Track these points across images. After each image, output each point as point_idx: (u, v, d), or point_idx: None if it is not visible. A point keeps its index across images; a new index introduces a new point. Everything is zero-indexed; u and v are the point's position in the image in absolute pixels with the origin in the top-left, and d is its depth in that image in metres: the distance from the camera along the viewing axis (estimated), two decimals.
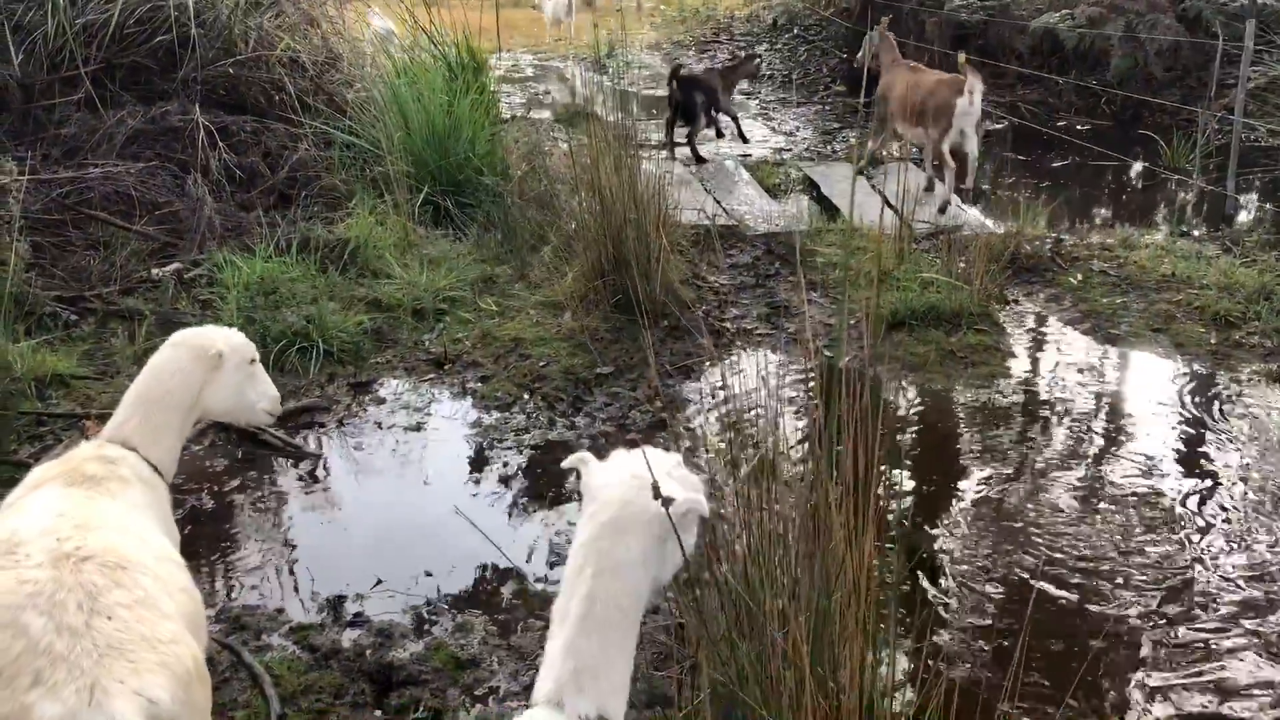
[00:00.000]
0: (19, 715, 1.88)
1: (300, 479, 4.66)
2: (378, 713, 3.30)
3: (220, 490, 4.51)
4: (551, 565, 4.08)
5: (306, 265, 6.21)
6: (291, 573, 4.03)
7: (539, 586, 3.94)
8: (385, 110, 7.69)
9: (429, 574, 3.99)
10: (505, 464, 4.79)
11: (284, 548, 4.20)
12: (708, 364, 5.68)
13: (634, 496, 1.93)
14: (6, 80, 6.81)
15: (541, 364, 5.61)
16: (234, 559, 4.10)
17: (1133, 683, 3.44)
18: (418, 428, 5.08)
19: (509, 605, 3.85)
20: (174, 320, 5.76)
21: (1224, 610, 3.76)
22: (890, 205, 7.79)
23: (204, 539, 4.20)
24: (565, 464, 2.09)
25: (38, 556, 2.10)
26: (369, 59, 8.73)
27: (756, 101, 12.56)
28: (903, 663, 3.25)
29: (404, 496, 4.59)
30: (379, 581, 3.93)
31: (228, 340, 2.98)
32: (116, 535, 2.25)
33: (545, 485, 4.64)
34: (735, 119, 10.07)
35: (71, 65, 7.06)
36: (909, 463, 4.78)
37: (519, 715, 1.88)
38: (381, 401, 5.30)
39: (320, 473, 4.71)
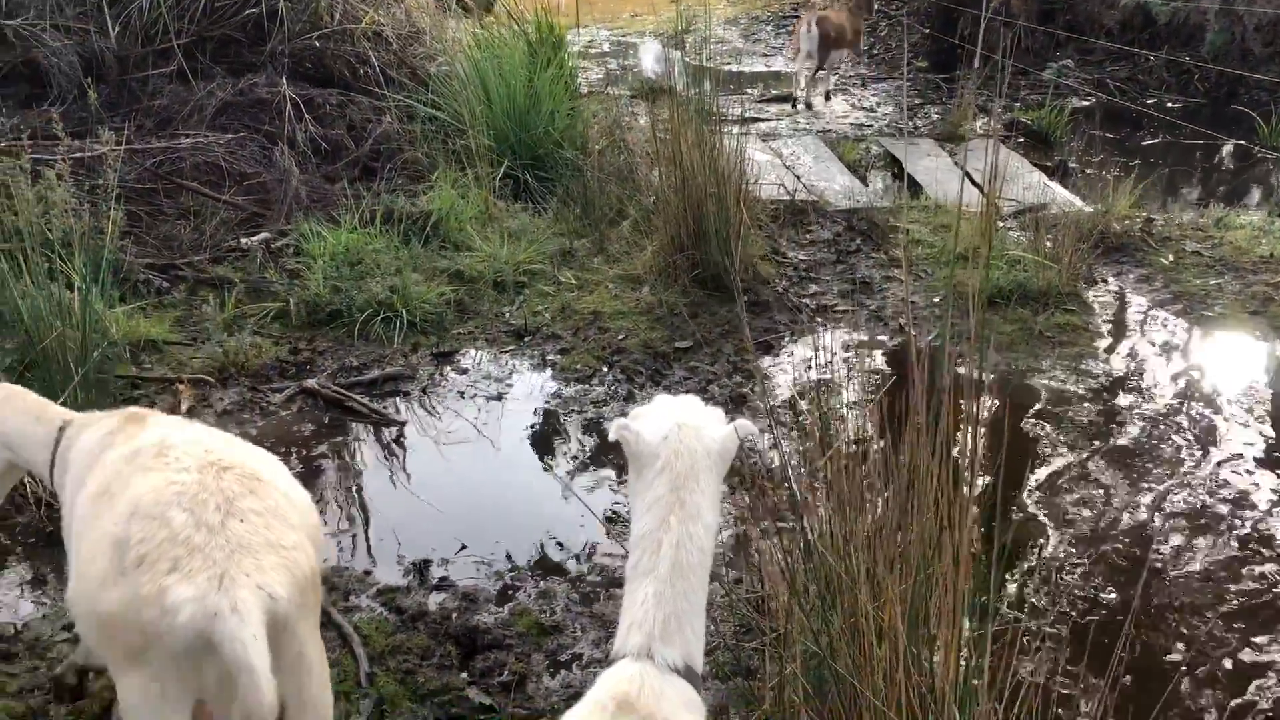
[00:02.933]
0: (156, 595, 2.14)
1: (385, 445, 4.73)
2: (463, 675, 3.34)
3: (308, 454, 4.60)
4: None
5: (390, 237, 6.29)
6: (377, 536, 4.10)
7: (620, 555, 3.96)
8: (467, 84, 7.72)
9: (511, 541, 4.03)
10: (584, 435, 4.82)
11: (370, 511, 4.27)
12: (788, 340, 5.64)
13: (695, 442, 2.02)
14: (104, 53, 6.97)
15: (620, 337, 5.62)
16: (322, 521, 4.17)
17: (1218, 689, 3.36)
18: (499, 397, 5.13)
19: (590, 573, 3.88)
20: (262, 288, 5.88)
21: None
22: (974, 182, 7.65)
23: None
24: (611, 435, 2.14)
25: (186, 461, 2.37)
26: (451, 33, 8.78)
27: (837, 76, 12.39)
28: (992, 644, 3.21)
29: (486, 464, 4.64)
30: (463, 547, 3.98)
31: None
32: (255, 454, 2.58)
33: (624, 457, 4.65)
34: None
35: (165, 38, 7.21)
36: (997, 443, 4.70)
37: (607, 670, 1.91)
38: (463, 371, 5.35)
39: (404, 439, 4.78)
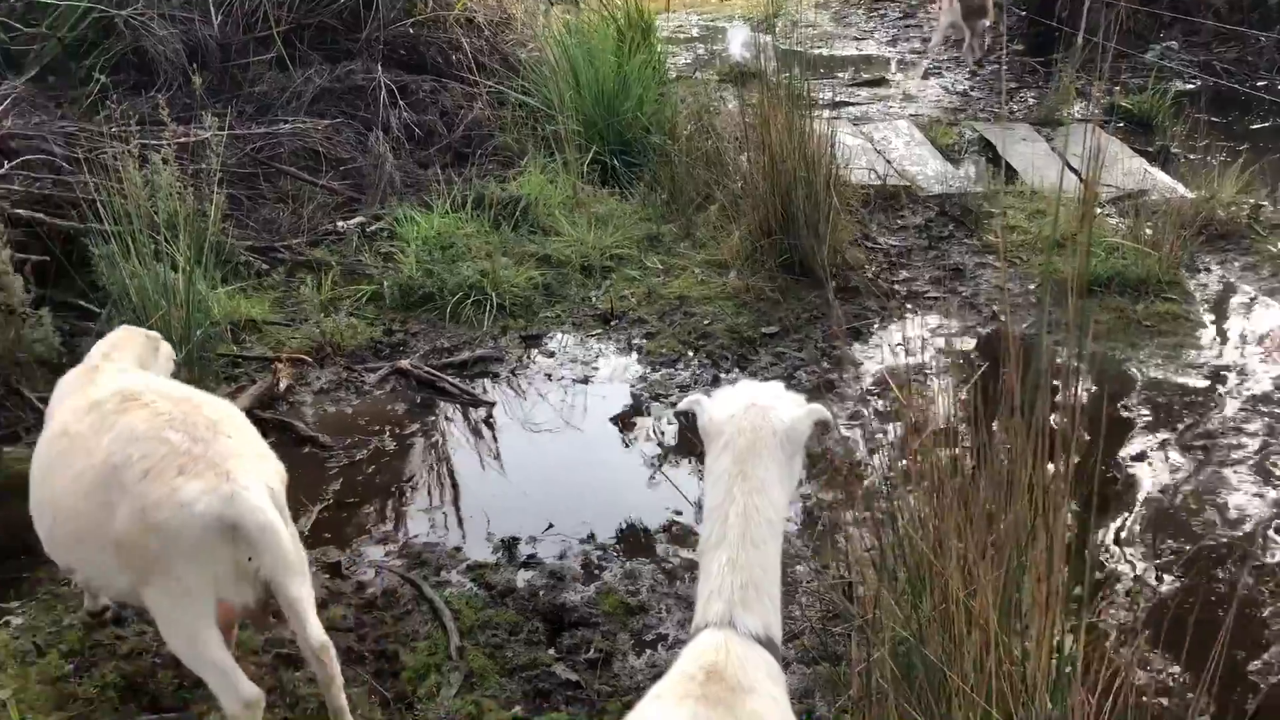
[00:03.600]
0: (168, 496, 2.48)
1: (475, 425, 4.81)
2: (550, 651, 3.40)
3: (401, 434, 4.70)
4: None
5: (481, 221, 6.37)
6: (467, 513, 4.18)
7: None
8: (556, 70, 7.77)
9: (597, 521, 4.08)
10: (670, 418, 4.84)
11: (460, 489, 4.35)
12: (877, 326, 5.58)
13: (761, 420, 2.07)
14: (207, 41, 7.17)
15: (706, 322, 5.62)
16: (413, 498, 4.28)
17: None
18: (585, 380, 5.17)
19: (676, 554, 3.90)
20: (357, 271, 6.01)
21: None
22: (1072, 168, 7.47)
23: (386, 477, 4.40)
24: (680, 407, 2.23)
25: (161, 400, 2.71)
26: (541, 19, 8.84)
27: (929, 60, 12.19)
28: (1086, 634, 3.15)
29: (572, 445, 4.69)
30: (550, 526, 4.03)
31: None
32: (209, 395, 2.95)
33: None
34: None
35: (265, 26, 7.39)
36: (1094, 432, 4.60)
37: (691, 642, 1.94)
38: (551, 354, 5.41)
39: (494, 420, 4.85)
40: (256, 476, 2.55)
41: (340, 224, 6.52)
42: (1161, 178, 7.55)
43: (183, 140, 6.02)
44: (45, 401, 4.67)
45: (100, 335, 5.09)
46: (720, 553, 1.99)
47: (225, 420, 2.70)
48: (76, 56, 7.06)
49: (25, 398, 4.73)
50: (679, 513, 4.11)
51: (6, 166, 5.63)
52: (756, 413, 2.08)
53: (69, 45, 7.03)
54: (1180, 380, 5.04)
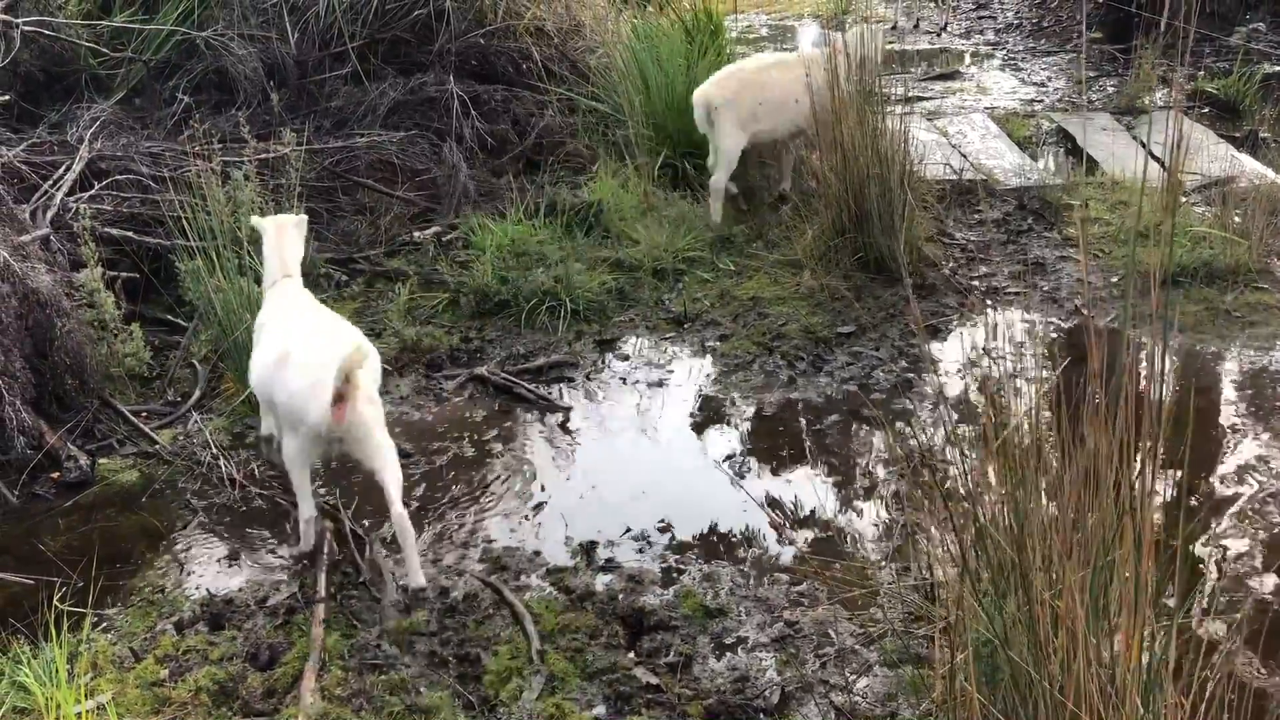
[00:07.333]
0: None
1: (551, 430, 4.85)
2: (630, 655, 3.41)
3: (479, 439, 4.75)
4: (796, 520, 4.09)
5: (554, 228, 6.41)
6: (546, 518, 4.21)
7: (784, 540, 3.96)
8: (626, 75, 7.79)
9: (675, 524, 4.08)
10: (745, 420, 4.82)
11: (538, 494, 4.38)
12: (956, 323, 5.50)
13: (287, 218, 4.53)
14: (284, 58, 7.33)
15: (780, 323, 5.59)
16: (492, 503, 4.32)
17: None
18: (660, 384, 5.18)
19: (754, 557, 3.88)
20: (434, 280, 6.10)
21: None
22: (1155, 156, 7.28)
23: (465, 483, 4.45)
24: (254, 223, 4.56)
25: None
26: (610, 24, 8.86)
27: (1004, 51, 11.98)
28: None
29: (648, 449, 4.70)
30: (628, 530, 4.04)
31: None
32: None
33: (785, 442, 4.64)
34: None
35: (339, 42, 7.52)
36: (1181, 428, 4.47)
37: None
38: (625, 358, 5.43)
39: (570, 424, 4.88)
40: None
41: (417, 234, 6.62)
42: (1250, 163, 7.32)
43: (263, 156, 6.16)
44: (138, 414, 4.88)
45: (187, 349, 5.31)
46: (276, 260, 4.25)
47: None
48: (161, 78, 7.28)
49: (119, 411, 4.90)
50: (755, 514, 4.09)
51: (97, 187, 5.83)
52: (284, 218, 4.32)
53: (154, 68, 7.25)
54: (1275, 370, 4.87)
